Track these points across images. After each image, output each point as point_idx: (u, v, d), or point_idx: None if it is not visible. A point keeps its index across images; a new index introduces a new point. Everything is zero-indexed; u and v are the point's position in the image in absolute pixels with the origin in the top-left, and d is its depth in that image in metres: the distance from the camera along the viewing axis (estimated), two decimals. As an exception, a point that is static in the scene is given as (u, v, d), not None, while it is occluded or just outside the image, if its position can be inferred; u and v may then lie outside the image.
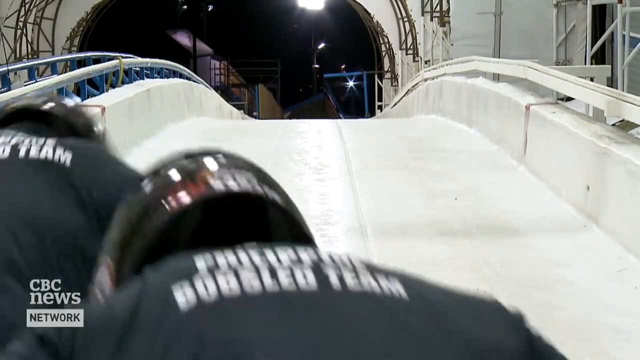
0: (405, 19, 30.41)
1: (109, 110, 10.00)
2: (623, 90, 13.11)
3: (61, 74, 12.62)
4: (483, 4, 20.87)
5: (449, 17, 22.89)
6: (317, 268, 1.13)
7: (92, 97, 11.40)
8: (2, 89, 10.68)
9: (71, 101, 2.35)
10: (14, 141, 1.92)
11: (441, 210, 7.91)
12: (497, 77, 12.91)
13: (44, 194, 1.81)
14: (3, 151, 1.88)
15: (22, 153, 1.88)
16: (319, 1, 36.83)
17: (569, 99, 11.71)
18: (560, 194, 8.02)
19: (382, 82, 36.33)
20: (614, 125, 8.33)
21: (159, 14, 57.77)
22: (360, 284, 1.12)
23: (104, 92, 12.04)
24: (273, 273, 1.10)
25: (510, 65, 11.68)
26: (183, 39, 59.98)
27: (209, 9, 60.97)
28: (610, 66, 14.63)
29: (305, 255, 1.15)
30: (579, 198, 7.51)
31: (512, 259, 6.48)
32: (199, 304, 1.06)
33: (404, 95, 23.00)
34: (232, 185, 1.25)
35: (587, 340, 5.03)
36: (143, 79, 14.59)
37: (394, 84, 33.57)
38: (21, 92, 8.99)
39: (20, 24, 28.21)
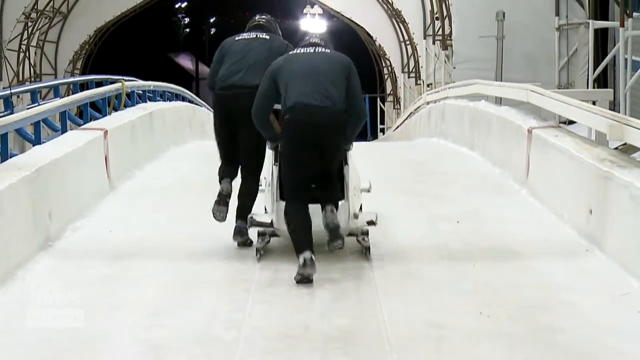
0: (408, 42, 30.48)
1: (111, 133, 10.00)
2: (625, 114, 13.12)
3: (64, 97, 12.62)
4: (485, 27, 20.93)
5: (451, 40, 22.94)
6: (317, 50, 7.06)
7: (94, 120, 11.40)
8: (5, 112, 10.68)
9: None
10: (252, 35, 7.69)
11: (444, 234, 7.91)
12: (499, 101, 12.92)
13: (260, 46, 7.53)
14: (251, 37, 7.65)
15: (257, 36, 7.65)
16: (321, 24, 36.86)
17: (571, 122, 11.73)
18: (563, 218, 8.01)
19: (384, 105, 36.37)
20: (616, 149, 8.33)
21: (161, 37, 57.90)
22: (324, 55, 7.00)
23: (106, 115, 12.04)
24: (311, 50, 7.04)
25: (513, 89, 11.69)
26: (185, 61, 60.13)
27: (211, 32, 61.16)
28: (612, 90, 14.65)
29: (316, 48, 7.09)
30: (581, 222, 7.51)
31: (515, 283, 6.47)
32: (292, 53, 7.11)
33: (406, 118, 23.03)
34: (314, 40, 7.22)
35: (590, 365, 5.03)
36: (146, 102, 14.60)
37: (396, 107, 33.63)
38: (25, 115, 8.99)
39: (23, 47, 28.30)
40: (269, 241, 7.26)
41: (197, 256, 7.25)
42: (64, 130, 10.37)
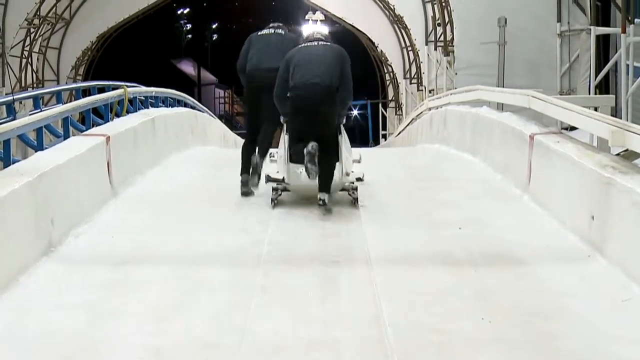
0: (410, 48, 30.51)
1: (113, 139, 10.02)
2: (627, 120, 13.13)
3: (66, 103, 12.63)
4: (487, 33, 20.97)
5: (453, 46, 22.98)
6: (319, 43, 9.44)
7: (96, 126, 11.41)
8: (8, 118, 10.70)
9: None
10: (271, 31, 10.17)
11: (445, 240, 7.91)
12: (501, 107, 12.93)
13: (278, 40, 9.97)
14: (270, 32, 10.12)
15: (274, 32, 10.13)
16: (323, 30, 36.89)
17: (572, 128, 11.73)
18: (565, 224, 8.01)
19: (386, 111, 36.43)
20: (618, 155, 8.33)
21: (163, 43, 57.95)
22: (324, 47, 9.37)
23: (108, 121, 12.05)
24: (315, 44, 9.41)
25: (514, 95, 11.68)
26: (188, 67, 60.23)
27: (213, 38, 61.22)
28: (614, 96, 14.66)
29: (319, 42, 9.51)
30: (583, 228, 7.51)
31: (516, 288, 6.48)
32: (300, 47, 9.44)
33: (408, 124, 23.04)
34: (318, 36, 9.70)
35: (591, 370, 5.03)
36: (148, 107, 14.61)
37: (398, 113, 33.66)
38: (27, 121, 9.01)
39: (26, 53, 28.34)
40: (280, 194, 9.54)
41: (200, 261, 7.27)
42: (66, 136, 10.38)
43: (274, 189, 9.51)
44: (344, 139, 9.47)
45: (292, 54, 9.32)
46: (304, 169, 8.94)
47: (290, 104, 9.15)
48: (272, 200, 9.43)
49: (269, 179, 9.60)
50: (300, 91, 9.04)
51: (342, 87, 9.10)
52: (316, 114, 9.04)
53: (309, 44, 9.47)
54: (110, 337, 5.53)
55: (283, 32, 10.18)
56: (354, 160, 9.99)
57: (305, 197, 9.49)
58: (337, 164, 9.16)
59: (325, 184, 9.01)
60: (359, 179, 9.81)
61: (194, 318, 5.88)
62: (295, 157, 9.24)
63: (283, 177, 9.52)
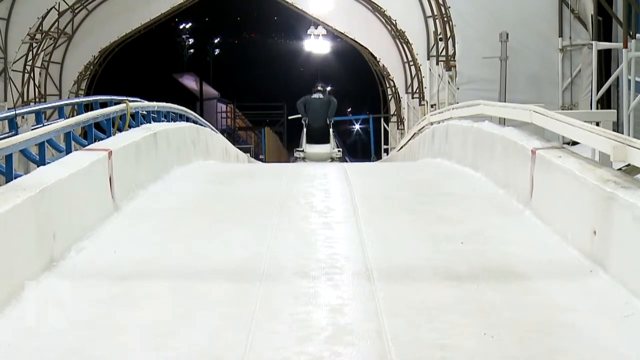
0: (411, 63, 30.51)
1: (115, 153, 10.02)
2: (629, 135, 13.12)
3: (68, 117, 12.63)
4: (489, 48, 20.97)
5: (455, 61, 22.98)
6: (320, 96, 24.92)
7: (99, 140, 11.41)
8: (10, 133, 10.71)
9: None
10: (317, 95, 25.06)
11: (447, 254, 7.90)
12: (503, 121, 12.93)
13: (324, 103, 24.70)
14: (317, 97, 25.10)
15: (319, 97, 24.87)
16: (325, 45, 36.99)
17: (574, 143, 11.73)
18: (567, 239, 8.01)
19: (388, 125, 36.42)
20: (619, 169, 8.33)
21: (166, 58, 58.10)
22: (322, 99, 24.76)
23: (110, 135, 12.05)
24: (317, 96, 24.90)
25: (516, 110, 11.68)
26: (190, 82, 60.33)
27: (216, 53, 61.33)
28: (615, 111, 14.65)
29: (319, 95, 25.26)
30: (585, 243, 7.50)
31: (518, 304, 6.47)
32: (311, 97, 24.75)
33: (410, 139, 23.03)
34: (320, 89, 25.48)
35: (594, 386, 5.03)
36: (150, 122, 14.62)
37: (400, 128, 33.65)
38: (29, 136, 9.01)
39: (28, 67, 28.31)
40: (303, 159, 21.32)
41: (202, 276, 7.26)
42: (68, 150, 10.39)
43: (297, 157, 19.65)
44: (332, 131, 20.68)
45: (306, 100, 22.47)
46: (313, 146, 21.22)
47: (308, 123, 21.74)
48: (296, 159, 19.32)
49: (296, 151, 19.92)
50: (312, 116, 20.83)
51: (330, 113, 20.63)
52: (320, 124, 18.79)
53: (315, 95, 22.70)
54: (113, 352, 5.53)
55: (324, 97, 20.14)
56: (339, 150, 19.81)
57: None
58: (328, 144, 20.71)
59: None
60: (340, 152, 20.85)
61: (196, 333, 5.87)
62: (309, 141, 20.90)
63: (303, 150, 19.93)
